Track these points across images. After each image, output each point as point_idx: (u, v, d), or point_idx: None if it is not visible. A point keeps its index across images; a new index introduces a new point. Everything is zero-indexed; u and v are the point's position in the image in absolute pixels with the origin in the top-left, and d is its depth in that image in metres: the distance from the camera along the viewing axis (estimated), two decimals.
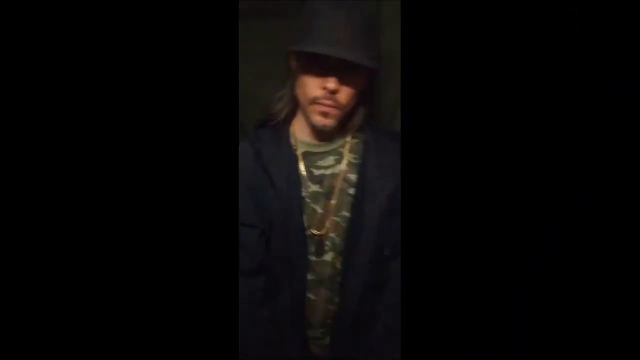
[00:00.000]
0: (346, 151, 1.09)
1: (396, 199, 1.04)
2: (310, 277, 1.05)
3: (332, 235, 1.05)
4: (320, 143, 1.09)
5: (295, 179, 1.05)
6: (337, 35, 0.96)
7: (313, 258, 1.05)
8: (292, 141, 1.09)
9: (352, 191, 1.06)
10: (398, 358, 1.00)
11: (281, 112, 1.09)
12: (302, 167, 1.07)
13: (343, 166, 1.07)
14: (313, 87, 1.01)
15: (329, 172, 1.07)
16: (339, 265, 1.05)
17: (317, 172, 1.07)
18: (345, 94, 1.01)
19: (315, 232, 1.05)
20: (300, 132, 1.09)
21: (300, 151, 1.08)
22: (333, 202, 1.05)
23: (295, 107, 1.09)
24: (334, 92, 0.99)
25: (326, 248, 1.05)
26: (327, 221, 1.05)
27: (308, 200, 1.06)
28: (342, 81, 0.99)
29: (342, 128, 1.08)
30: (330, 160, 1.08)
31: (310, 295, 1.05)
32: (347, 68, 0.98)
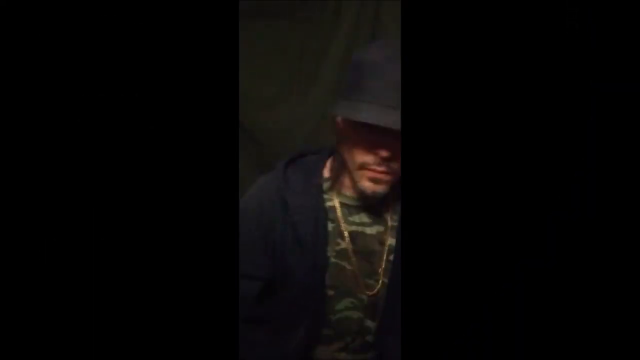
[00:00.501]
0: (382, 209, 1.00)
1: None
2: (327, 332, 0.99)
3: (380, 299, 0.98)
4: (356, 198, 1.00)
5: (322, 235, 0.97)
6: (392, 98, 0.87)
7: (338, 316, 0.99)
8: (323, 193, 0.99)
9: (390, 257, 0.99)
10: None
11: (332, 178, 0.99)
12: (330, 223, 0.99)
13: (379, 227, 1.00)
14: (362, 151, 0.93)
15: (361, 229, 0.99)
16: (369, 325, 0.99)
17: (348, 228, 0.99)
18: (396, 159, 0.92)
19: (368, 293, 0.98)
20: (348, 188, 1.00)
21: (331, 203, 1.00)
22: (367, 264, 0.98)
23: (342, 169, 0.99)
24: (386, 159, 0.92)
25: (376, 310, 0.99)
26: (378, 282, 0.98)
27: (338, 261, 0.98)
28: (396, 145, 0.89)
29: (390, 192, 0.98)
30: (364, 217, 1.00)
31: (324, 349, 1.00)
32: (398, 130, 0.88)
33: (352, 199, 1.00)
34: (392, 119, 0.86)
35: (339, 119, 0.96)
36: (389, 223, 1.00)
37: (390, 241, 1.00)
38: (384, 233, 1.00)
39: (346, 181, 1.00)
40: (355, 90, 0.91)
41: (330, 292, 0.98)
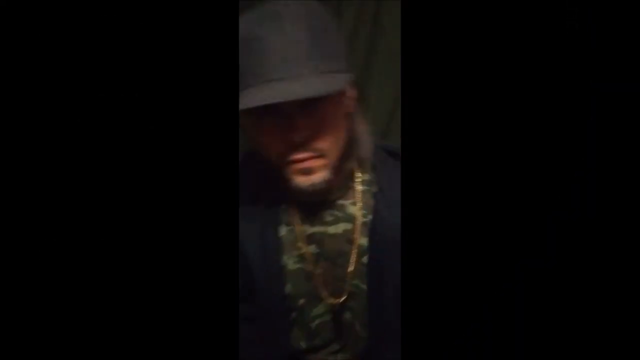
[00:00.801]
0: (349, 203, 0.86)
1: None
2: (311, 342, 0.87)
3: (350, 304, 0.85)
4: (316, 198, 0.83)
5: (273, 244, 0.83)
6: (285, 67, 0.73)
7: (317, 322, 0.86)
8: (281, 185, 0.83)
9: (365, 259, 0.84)
10: None
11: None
12: (285, 227, 0.85)
13: (346, 224, 0.85)
14: (278, 143, 0.77)
15: (327, 230, 0.85)
16: (360, 331, 0.86)
17: (310, 230, 0.85)
18: (322, 135, 0.77)
19: (331, 300, 0.84)
20: (290, 191, 0.83)
21: (285, 205, 0.85)
22: (338, 267, 0.84)
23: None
24: (305, 141, 0.76)
25: (344, 316, 0.86)
26: (345, 288, 0.84)
27: (299, 266, 0.85)
28: (312, 120, 0.75)
29: (340, 171, 0.83)
30: (326, 215, 0.86)
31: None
32: (312, 102, 0.75)
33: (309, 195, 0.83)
34: (288, 89, 0.71)
35: (245, 122, 0.80)
36: (360, 220, 0.85)
37: (362, 241, 0.85)
38: (352, 231, 0.85)
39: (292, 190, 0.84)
40: (242, 79, 0.76)
41: (301, 301, 0.85)
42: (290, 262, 0.85)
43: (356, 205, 0.85)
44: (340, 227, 0.85)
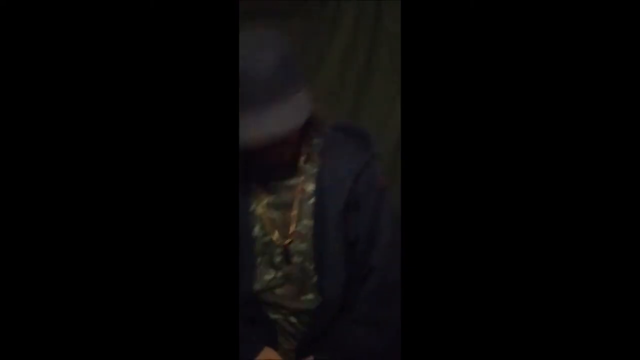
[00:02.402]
0: (302, 163, 1.09)
1: (352, 198, 1.06)
2: (274, 274, 1.08)
3: (297, 243, 1.07)
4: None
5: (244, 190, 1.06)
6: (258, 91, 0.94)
7: (278, 262, 1.08)
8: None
9: (310, 201, 1.07)
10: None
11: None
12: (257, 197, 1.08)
13: (299, 179, 1.08)
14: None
15: (285, 183, 1.09)
16: (311, 267, 1.07)
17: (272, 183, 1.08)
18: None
19: (278, 241, 1.07)
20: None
21: (254, 207, 1.09)
22: (294, 212, 1.07)
23: None
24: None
25: (293, 255, 1.08)
26: (290, 231, 1.07)
27: (262, 210, 1.08)
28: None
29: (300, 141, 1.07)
30: (286, 173, 1.09)
31: (279, 291, 1.08)
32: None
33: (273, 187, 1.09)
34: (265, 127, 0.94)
35: None
36: (306, 172, 1.08)
37: (304, 187, 1.08)
38: (305, 181, 1.08)
39: None
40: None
41: (266, 239, 1.08)
42: (258, 208, 1.08)
43: (302, 161, 1.09)
44: (294, 180, 1.09)
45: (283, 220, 1.08)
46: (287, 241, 1.07)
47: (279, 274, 1.08)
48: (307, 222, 1.07)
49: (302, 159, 1.08)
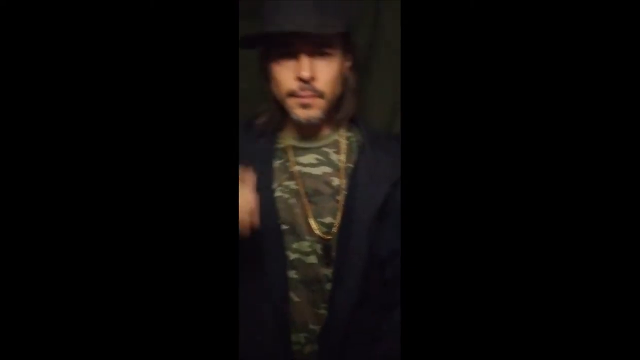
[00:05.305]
0: (332, 152, 1.02)
1: (387, 206, 0.97)
2: (293, 275, 0.99)
3: (314, 239, 0.98)
4: (306, 139, 1.02)
5: (267, 172, 0.99)
6: (296, 10, 0.90)
7: (297, 256, 0.99)
8: (276, 137, 1.03)
9: (338, 197, 0.99)
10: None
11: (269, 125, 1.02)
12: (278, 161, 1.01)
13: (327, 168, 1.01)
14: (287, 79, 0.94)
15: (307, 170, 1.01)
16: (326, 272, 0.98)
17: (295, 169, 1.00)
18: (324, 81, 0.94)
19: (319, 234, 0.98)
20: (289, 130, 1.03)
21: (282, 145, 1.02)
22: (312, 205, 0.99)
23: (282, 115, 1.01)
24: (310, 80, 0.93)
25: (310, 250, 0.99)
26: (309, 223, 0.98)
27: (285, 196, 0.99)
28: (318, 66, 0.94)
29: (331, 122, 1.02)
30: (311, 158, 1.02)
31: (293, 296, 0.98)
32: (319, 50, 0.93)
33: (301, 141, 1.02)
34: (297, 24, 0.88)
35: (261, 58, 0.98)
36: (341, 165, 1.01)
37: (338, 182, 1.00)
38: (332, 174, 1.00)
39: (293, 127, 1.01)
40: (264, 19, 0.94)
41: (284, 227, 0.99)
42: (277, 191, 1.00)
43: (339, 154, 1.01)
44: (320, 170, 1.01)
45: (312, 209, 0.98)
46: (328, 236, 0.97)
47: (295, 275, 0.99)
48: (331, 220, 0.98)
49: (337, 147, 1.01)
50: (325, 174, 1.01)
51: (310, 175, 1.01)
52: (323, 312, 0.99)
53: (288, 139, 1.03)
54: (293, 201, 1.00)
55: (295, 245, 0.99)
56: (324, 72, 0.94)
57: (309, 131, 1.02)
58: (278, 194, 1.00)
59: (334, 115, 1.01)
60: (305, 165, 1.02)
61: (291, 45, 0.92)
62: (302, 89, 0.94)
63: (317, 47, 0.93)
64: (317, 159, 1.02)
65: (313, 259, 0.99)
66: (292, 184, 1.00)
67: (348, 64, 1.00)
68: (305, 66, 0.92)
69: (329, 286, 0.99)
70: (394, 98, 1.38)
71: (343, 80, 0.99)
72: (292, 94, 0.95)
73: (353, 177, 1.00)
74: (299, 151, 1.02)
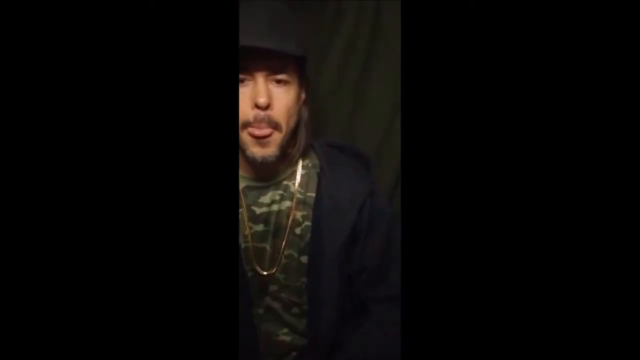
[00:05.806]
0: (291, 184, 1.00)
1: (354, 232, 0.97)
2: (260, 311, 1.01)
3: (280, 275, 1.00)
4: (262, 179, 0.98)
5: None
6: (251, 29, 0.86)
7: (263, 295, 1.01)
8: None
9: (298, 230, 0.99)
10: None
11: None
12: (241, 205, 0.97)
13: (288, 202, 0.99)
14: (243, 107, 0.89)
15: (273, 208, 0.99)
16: (296, 310, 1.01)
17: (259, 211, 0.98)
18: (279, 109, 0.90)
19: (260, 271, 0.99)
20: (241, 168, 0.98)
21: (240, 187, 0.98)
22: (279, 240, 0.99)
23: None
24: (266, 107, 0.88)
25: (272, 288, 1.00)
26: (276, 261, 0.99)
27: (253, 243, 0.98)
28: (274, 93, 0.89)
29: (286, 156, 0.98)
30: (274, 195, 0.99)
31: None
32: (274, 76, 0.89)
33: (256, 180, 0.99)
34: (255, 39, 0.84)
35: None
36: (296, 196, 0.99)
37: (295, 214, 0.98)
38: (291, 208, 0.99)
39: (245, 163, 0.97)
40: None
41: (263, 273, 1.00)
42: (241, 242, 0.98)
43: (296, 185, 0.99)
44: (284, 205, 0.99)
45: (275, 248, 0.99)
46: (269, 272, 0.99)
47: (261, 311, 1.01)
48: (293, 254, 0.99)
49: (294, 179, 0.99)
50: (287, 208, 0.99)
51: (276, 213, 0.99)
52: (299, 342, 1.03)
53: (242, 181, 0.99)
54: (264, 246, 1.00)
55: (270, 288, 1.02)
56: (281, 99, 0.90)
57: (263, 170, 0.98)
58: (247, 244, 0.99)
59: (288, 150, 0.98)
60: (269, 205, 0.99)
61: (245, 69, 0.88)
62: (257, 119, 0.89)
63: (273, 73, 0.89)
64: (280, 194, 1.00)
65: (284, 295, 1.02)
66: (259, 228, 0.99)
67: (303, 96, 0.98)
68: (262, 92, 0.88)
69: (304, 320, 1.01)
70: (394, 98, 1.38)
71: (298, 112, 0.96)
72: (247, 124, 0.90)
73: (317, 208, 0.98)
74: (258, 190, 0.99)
